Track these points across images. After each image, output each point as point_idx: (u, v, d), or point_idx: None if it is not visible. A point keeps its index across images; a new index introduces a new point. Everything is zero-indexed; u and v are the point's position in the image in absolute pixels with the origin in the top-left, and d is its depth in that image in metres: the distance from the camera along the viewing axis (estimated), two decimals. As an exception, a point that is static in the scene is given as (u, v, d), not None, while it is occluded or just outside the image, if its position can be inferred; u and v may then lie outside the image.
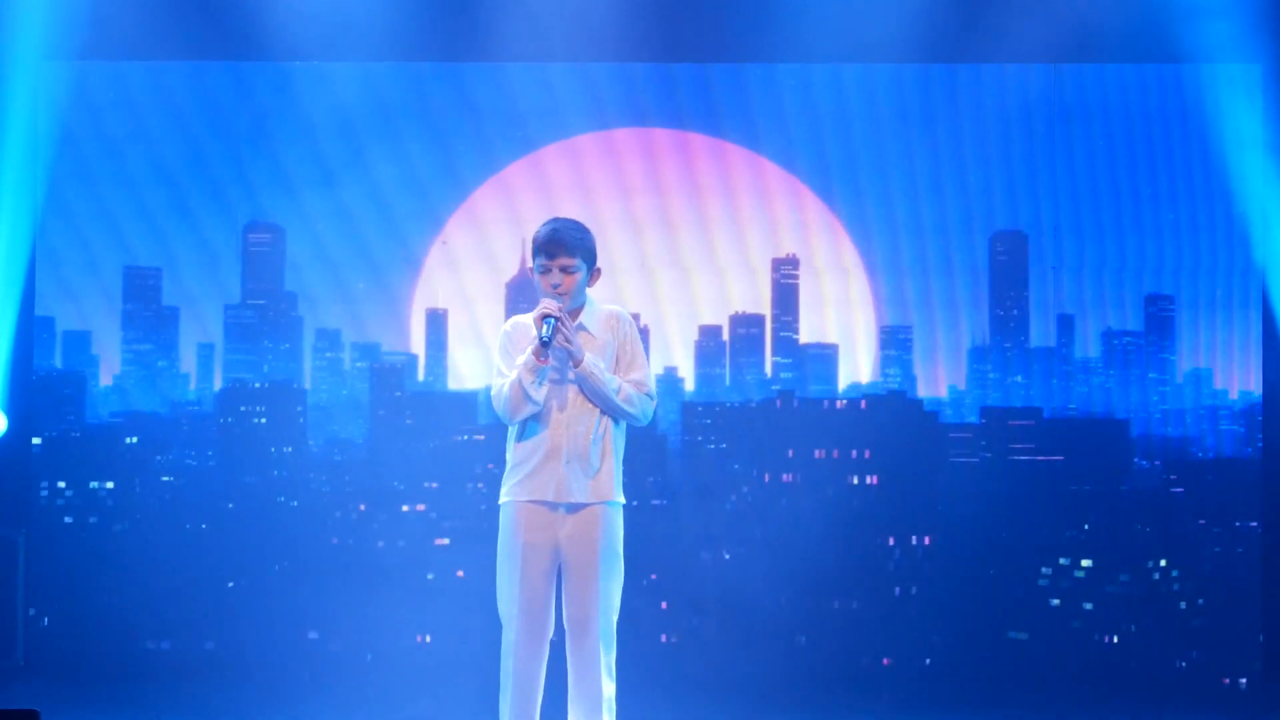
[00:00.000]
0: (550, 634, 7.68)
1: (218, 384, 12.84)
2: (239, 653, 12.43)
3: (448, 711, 9.84)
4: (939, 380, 12.80)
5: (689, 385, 12.77)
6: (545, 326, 7.48)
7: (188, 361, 12.88)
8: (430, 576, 12.57)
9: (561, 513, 7.63)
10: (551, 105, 12.83)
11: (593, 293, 7.81)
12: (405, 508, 12.71)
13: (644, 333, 12.09)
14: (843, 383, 12.83)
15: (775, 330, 12.90)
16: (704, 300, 12.85)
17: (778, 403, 12.70)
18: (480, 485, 12.68)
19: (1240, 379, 12.60)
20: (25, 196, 12.56)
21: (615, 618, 7.67)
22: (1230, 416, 12.61)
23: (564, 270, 7.65)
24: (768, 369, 12.84)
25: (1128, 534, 12.56)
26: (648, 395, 7.70)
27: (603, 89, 12.83)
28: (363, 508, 12.73)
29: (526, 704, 7.63)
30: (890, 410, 12.67)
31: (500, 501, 7.73)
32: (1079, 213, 12.71)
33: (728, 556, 12.46)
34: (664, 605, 12.50)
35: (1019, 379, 12.73)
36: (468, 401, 12.82)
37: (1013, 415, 12.69)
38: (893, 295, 12.82)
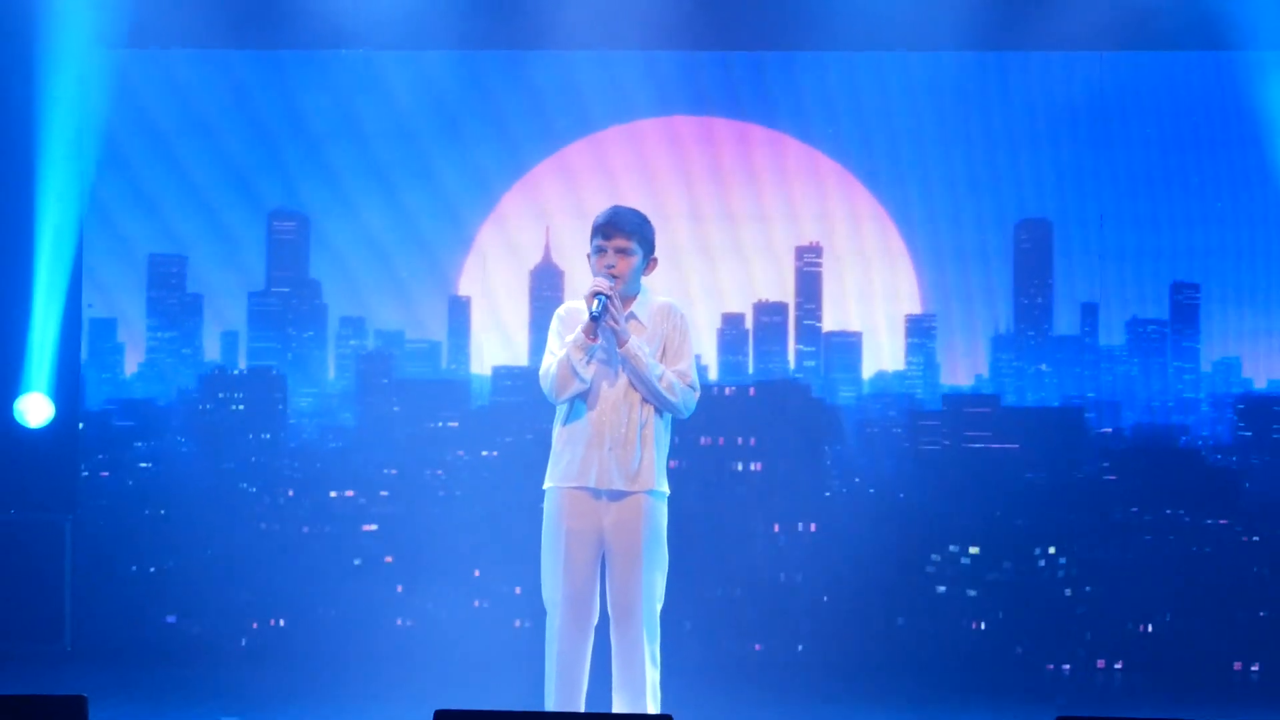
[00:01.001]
0: (595, 620, 7.67)
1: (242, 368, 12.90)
2: (285, 635, 12.51)
3: (497, 695, 9.82)
4: (958, 368, 12.82)
5: (713, 374, 12.77)
6: (596, 303, 7.48)
7: (211, 349, 12.90)
8: (357, 562, 12.64)
9: (605, 501, 7.62)
10: (576, 98, 12.83)
11: (649, 284, 7.80)
12: (333, 493, 12.75)
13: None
14: (867, 371, 12.83)
15: (799, 318, 12.90)
16: (729, 288, 12.85)
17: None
18: (439, 472, 12.71)
19: (1266, 368, 12.62)
20: (73, 187, 12.59)
21: (659, 606, 7.67)
22: (1232, 406, 12.61)
23: (619, 251, 7.64)
24: (790, 357, 12.85)
25: (1035, 521, 12.54)
26: (690, 387, 7.69)
27: (626, 79, 12.83)
28: (290, 493, 12.76)
29: (572, 689, 7.63)
30: (778, 396, 12.62)
31: (545, 487, 7.73)
32: (1105, 200, 12.70)
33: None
34: (518, 590, 12.51)
35: (1043, 367, 12.74)
36: (457, 389, 12.83)
37: (969, 403, 12.68)
38: (920, 283, 12.83)
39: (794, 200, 12.87)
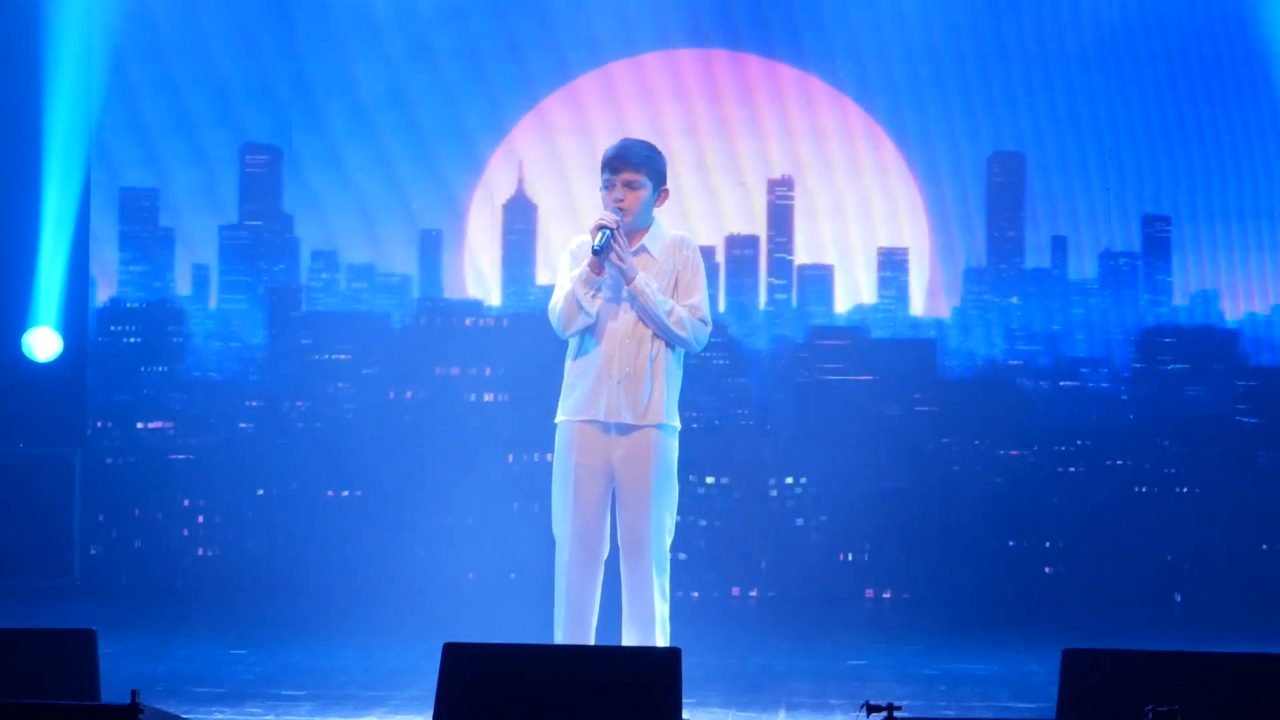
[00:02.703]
0: (605, 554, 7.66)
1: (212, 305, 12.83)
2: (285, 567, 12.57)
3: (503, 630, 9.83)
4: (937, 302, 12.87)
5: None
6: (600, 236, 7.45)
7: (183, 284, 12.85)
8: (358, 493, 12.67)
9: (614, 435, 7.61)
10: (550, 37, 12.80)
11: (661, 216, 7.77)
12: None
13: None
14: (840, 305, 12.86)
15: (770, 251, 12.91)
16: (698, 221, 12.83)
17: (421, 320, 12.76)
18: (299, 403, 12.76)
19: (1246, 302, 12.72)
20: (79, 122, 12.54)
21: (669, 539, 7.66)
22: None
23: (627, 185, 7.60)
24: (762, 290, 12.86)
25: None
26: (701, 321, 7.66)
27: (596, 13, 12.81)
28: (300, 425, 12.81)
29: (581, 623, 7.62)
30: (525, 329, 12.60)
31: (556, 421, 7.71)
32: (1076, 135, 12.76)
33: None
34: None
35: (1014, 300, 12.80)
36: (361, 321, 12.81)
37: (827, 335, 12.74)
38: (894, 216, 12.86)
39: (766, 133, 12.87)
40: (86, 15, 12.49)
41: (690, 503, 12.08)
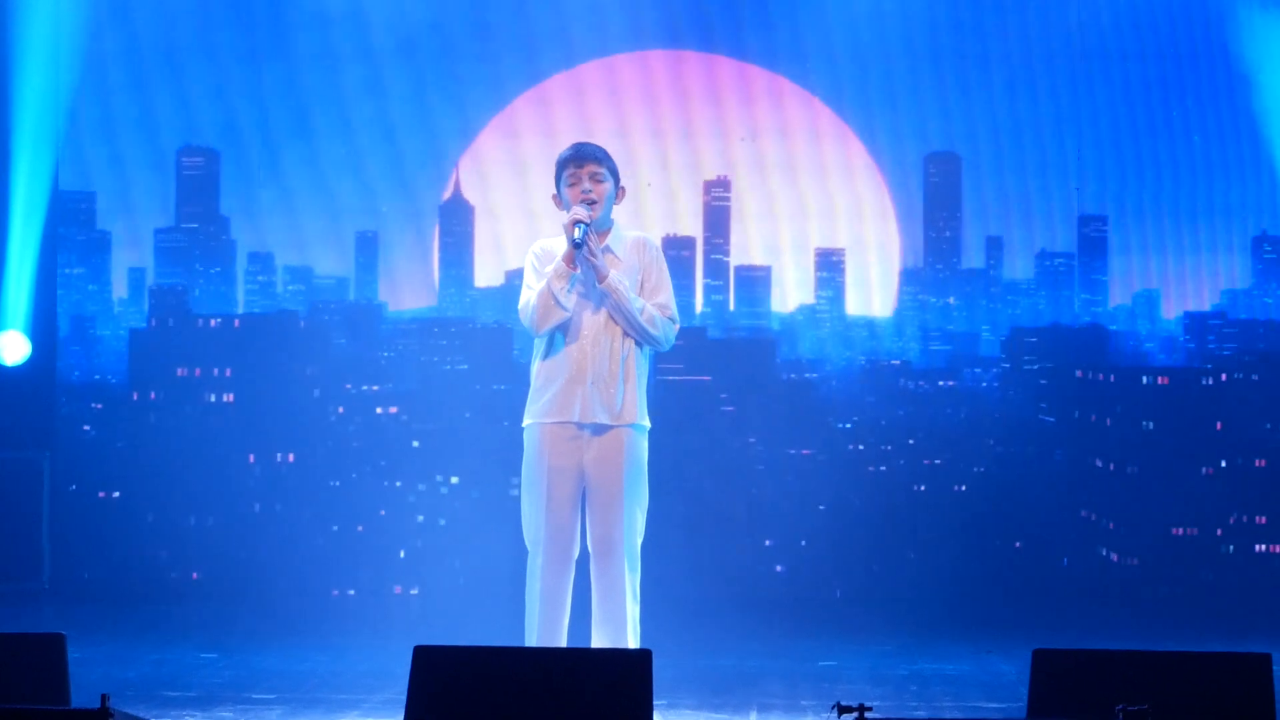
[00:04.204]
0: (576, 556, 7.68)
1: (146, 307, 12.76)
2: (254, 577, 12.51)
3: (474, 633, 9.82)
4: (870, 301, 12.92)
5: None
6: (577, 230, 7.47)
7: (119, 286, 12.76)
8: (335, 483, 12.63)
9: (586, 435, 7.62)
10: (483, 34, 12.81)
11: (619, 218, 7.80)
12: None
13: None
14: (776, 305, 12.90)
15: (706, 252, 12.93)
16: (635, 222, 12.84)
17: (152, 322, 12.75)
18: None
19: (1185, 301, 12.84)
20: (47, 124, 12.43)
21: (640, 540, 7.69)
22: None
23: (594, 178, 7.65)
24: (698, 291, 12.88)
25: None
26: (670, 319, 7.71)
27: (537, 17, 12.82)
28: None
29: (554, 625, 7.63)
30: (258, 329, 12.70)
31: (524, 424, 7.72)
32: (1015, 133, 12.85)
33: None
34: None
35: (951, 300, 12.87)
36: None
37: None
38: (829, 217, 12.90)
39: (698, 134, 12.89)
40: (54, 16, 12.43)
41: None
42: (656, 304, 7.69)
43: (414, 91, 12.80)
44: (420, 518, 12.57)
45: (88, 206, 12.73)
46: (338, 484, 12.64)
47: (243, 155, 12.80)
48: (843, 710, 5.22)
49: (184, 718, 7.84)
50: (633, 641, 7.63)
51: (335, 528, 12.60)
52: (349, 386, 12.75)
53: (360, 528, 12.57)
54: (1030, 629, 11.15)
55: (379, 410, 12.71)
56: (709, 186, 12.91)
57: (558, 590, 7.66)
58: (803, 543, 12.57)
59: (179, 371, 12.70)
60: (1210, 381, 12.65)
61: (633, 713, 5.80)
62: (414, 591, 12.27)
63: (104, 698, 5.14)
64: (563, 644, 7.63)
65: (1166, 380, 12.66)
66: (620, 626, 7.64)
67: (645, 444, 7.72)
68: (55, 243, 12.58)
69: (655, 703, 5.85)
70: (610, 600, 7.65)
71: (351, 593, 12.28)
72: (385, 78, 12.81)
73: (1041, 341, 12.77)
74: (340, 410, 12.70)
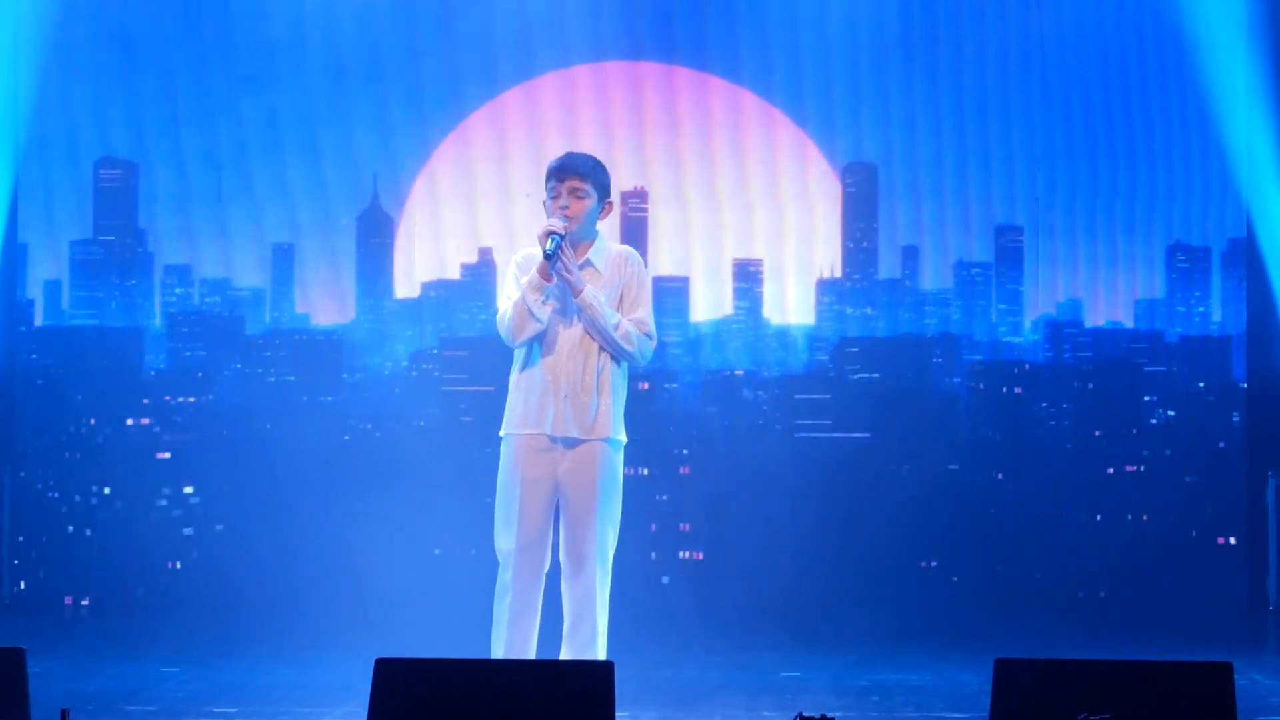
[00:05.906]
0: (546, 568, 7.69)
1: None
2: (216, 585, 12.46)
3: (437, 645, 9.78)
4: (786, 311, 13.00)
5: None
6: (550, 242, 7.48)
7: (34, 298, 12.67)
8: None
9: (560, 448, 7.63)
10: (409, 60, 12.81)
11: (604, 231, 7.81)
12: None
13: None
14: (695, 315, 12.95)
15: (622, 264, 12.94)
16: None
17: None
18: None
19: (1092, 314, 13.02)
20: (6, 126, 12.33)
21: (612, 554, 7.69)
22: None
23: (573, 193, 7.63)
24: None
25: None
26: (647, 335, 7.71)
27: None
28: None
29: (524, 638, 7.62)
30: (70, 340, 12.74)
31: (500, 434, 7.72)
32: (931, 143, 12.97)
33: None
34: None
35: (868, 310, 12.97)
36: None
37: None
38: (744, 227, 12.97)
39: (619, 142, 12.92)
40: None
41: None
42: (634, 319, 7.69)
43: (339, 114, 12.80)
44: (377, 530, 12.52)
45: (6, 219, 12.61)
46: (302, 498, 12.59)
47: (160, 168, 12.72)
48: (804, 721, 5.29)
49: (145, 731, 7.82)
50: (601, 655, 7.63)
51: (296, 541, 12.53)
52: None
53: (323, 540, 12.52)
54: (993, 639, 11.25)
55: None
56: (626, 197, 12.92)
57: (528, 603, 7.66)
58: (763, 554, 12.63)
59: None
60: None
61: (596, 725, 5.82)
62: (377, 605, 12.20)
63: (64, 712, 5.12)
64: (531, 655, 7.63)
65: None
66: (590, 640, 7.66)
67: (620, 458, 7.73)
68: (14, 256, 12.52)
69: (618, 715, 5.86)
70: (582, 614, 7.66)
71: (314, 605, 12.19)
72: (315, 97, 12.80)
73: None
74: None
